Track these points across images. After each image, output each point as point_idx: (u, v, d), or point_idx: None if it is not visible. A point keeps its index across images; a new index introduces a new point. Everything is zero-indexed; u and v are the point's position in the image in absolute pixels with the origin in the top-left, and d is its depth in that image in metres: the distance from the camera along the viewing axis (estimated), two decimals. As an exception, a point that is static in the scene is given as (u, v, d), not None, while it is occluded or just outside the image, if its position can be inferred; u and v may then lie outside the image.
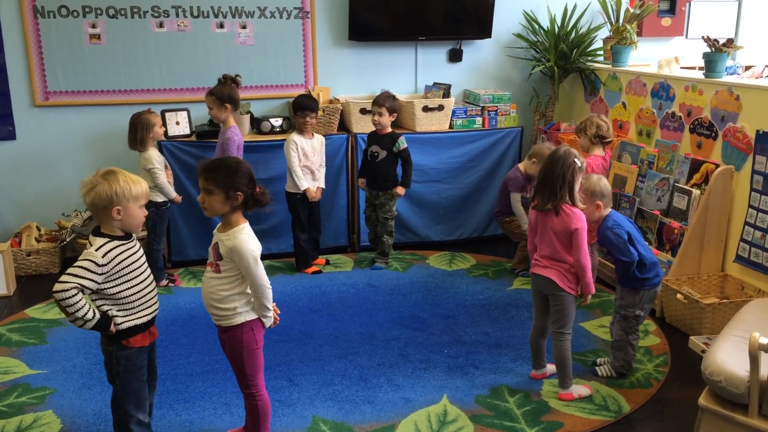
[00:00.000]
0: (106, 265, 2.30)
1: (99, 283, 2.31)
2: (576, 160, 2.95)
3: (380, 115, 4.45)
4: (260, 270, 2.51)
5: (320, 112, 4.76)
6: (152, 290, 2.49)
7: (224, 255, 2.50)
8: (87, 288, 2.29)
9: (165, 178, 4.18)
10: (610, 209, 3.20)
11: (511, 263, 4.71)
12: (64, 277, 2.26)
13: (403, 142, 4.52)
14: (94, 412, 3.03)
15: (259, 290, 2.53)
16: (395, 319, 3.95)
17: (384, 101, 4.46)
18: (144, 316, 2.45)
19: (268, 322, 2.62)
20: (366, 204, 4.75)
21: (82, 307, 2.28)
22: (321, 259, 4.78)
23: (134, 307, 2.41)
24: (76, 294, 2.25)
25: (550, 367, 3.27)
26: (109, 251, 2.32)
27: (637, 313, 3.21)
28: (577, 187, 2.99)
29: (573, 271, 3.02)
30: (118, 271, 2.35)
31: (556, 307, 3.07)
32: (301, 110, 4.38)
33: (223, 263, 2.51)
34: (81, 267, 2.28)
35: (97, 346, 3.59)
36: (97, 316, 2.33)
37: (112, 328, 2.38)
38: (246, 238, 2.50)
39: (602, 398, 3.12)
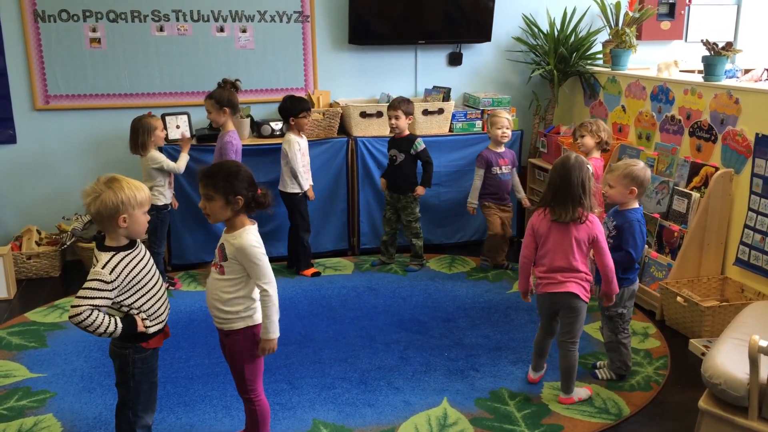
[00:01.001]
0: (114, 280, 2.29)
1: (112, 299, 2.30)
2: (589, 165, 2.94)
3: (397, 118, 4.47)
4: (268, 268, 2.50)
5: (320, 116, 4.77)
6: (164, 293, 2.49)
7: (230, 255, 2.49)
8: (101, 306, 2.28)
9: (169, 162, 4.20)
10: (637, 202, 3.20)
11: (497, 260, 4.74)
12: (75, 301, 2.25)
13: (420, 144, 4.53)
14: (95, 415, 3.03)
15: (269, 288, 2.48)
16: (395, 322, 3.95)
17: (399, 104, 4.47)
18: (161, 322, 2.46)
19: (275, 334, 2.53)
20: (386, 205, 4.75)
21: (101, 323, 2.26)
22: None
23: (153, 312, 2.42)
24: (90, 314, 2.24)
25: (546, 369, 3.27)
26: (115, 266, 2.31)
27: (620, 311, 3.20)
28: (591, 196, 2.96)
29: (586, 279, 3.00)
30: (128, 282, 2.34)
31: (572, 318, 3.02)
32: (305, 111, 4.39)
33: (227, 264, 2.51)
34: (90, 288, 2.26)
35: (97, 349, 3.60)
36: (120, 324, 2.32)
37: (140, 326, 2.36)
38: (253, 238, 2.50)
39: (602, 401, 3.12)
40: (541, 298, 3.08)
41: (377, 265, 4.78)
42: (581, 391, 3.14)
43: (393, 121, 4.49)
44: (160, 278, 2.49)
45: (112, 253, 2.33)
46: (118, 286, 2.30)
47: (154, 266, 2.47)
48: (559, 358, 3.11)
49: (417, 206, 4.66)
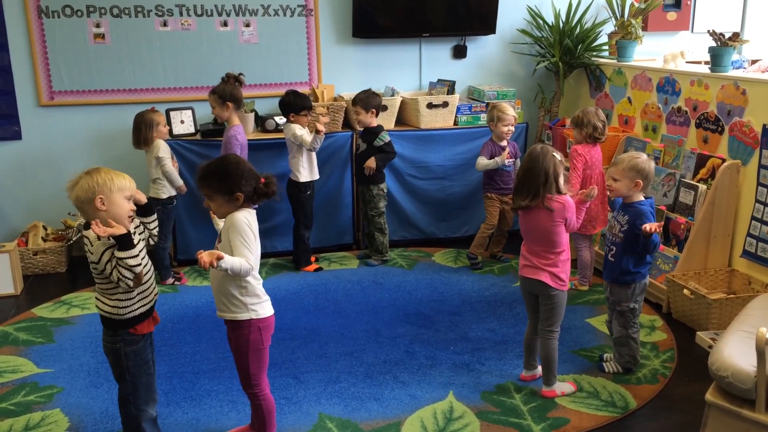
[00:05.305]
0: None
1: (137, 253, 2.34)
2: (555, 154, 2.93)
3: (357, 113, 4.47)
4: (253, 251, 2.46)
5: (325, 110, 4.76)
6: (151, 276, 2.50)
7: (223, 235, 2.52)
8: (141, 261, 2.33)
9: (171, 165, 4.19)
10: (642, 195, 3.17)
11: (493, 251, 4.77)
12: (117, 275, 2.30)
13: (384, 138, 4.50)
14: (102, 410, 3.04)
15: (240, 261, 2.42)
16: (401, 316, 3.95)
17: (357, 101, 4.47)
18: (147, 304, 2.48)
19: (224, 266, 2.37)
20: (361, 200, 4.75)
21: (135, 263, 2.31)
22: (312, 257, 4.77)
23: (137, 293, 2.43)
24: (131, 275, 2.31)
25: (540, 369, 3.25)
26: (108, 236, 2.31)
27: (632, 306, 3.19)
28: (561, 179, 2.96)
29: (563, 262, 2.99)
30: None
31: (547, 306, 3.04)
32: (306, 109, 4.35)
33: (221, 246, 2.53)
34: (123, 259, 2.28)
35: (103, 344, 3.61)
36: (140, 246, 2.35)
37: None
38: (245, 215, 2.49)
39: (609, 394, 3.11)
40: (521, 280, 3.13)
41: (372, 265, 4.74)
42: (565, 386, 3.13)
43: (354, 116, 4.50)
44: (150, 263, 2.48)
45: None
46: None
47: (143, 251, 2.44)
48: (540, 347, 3.12)
49: (381, 201, 4.62)
